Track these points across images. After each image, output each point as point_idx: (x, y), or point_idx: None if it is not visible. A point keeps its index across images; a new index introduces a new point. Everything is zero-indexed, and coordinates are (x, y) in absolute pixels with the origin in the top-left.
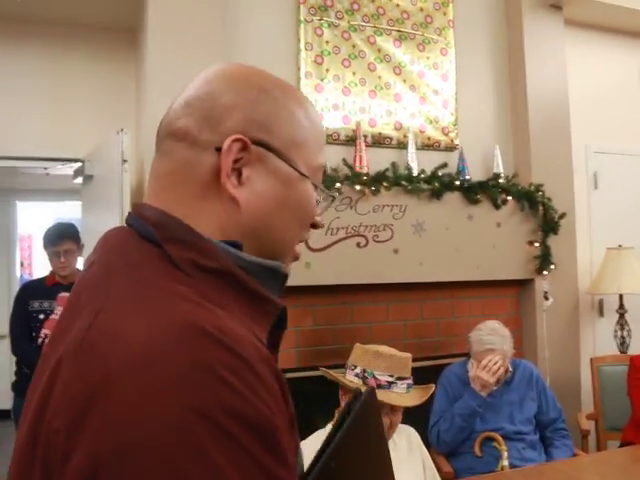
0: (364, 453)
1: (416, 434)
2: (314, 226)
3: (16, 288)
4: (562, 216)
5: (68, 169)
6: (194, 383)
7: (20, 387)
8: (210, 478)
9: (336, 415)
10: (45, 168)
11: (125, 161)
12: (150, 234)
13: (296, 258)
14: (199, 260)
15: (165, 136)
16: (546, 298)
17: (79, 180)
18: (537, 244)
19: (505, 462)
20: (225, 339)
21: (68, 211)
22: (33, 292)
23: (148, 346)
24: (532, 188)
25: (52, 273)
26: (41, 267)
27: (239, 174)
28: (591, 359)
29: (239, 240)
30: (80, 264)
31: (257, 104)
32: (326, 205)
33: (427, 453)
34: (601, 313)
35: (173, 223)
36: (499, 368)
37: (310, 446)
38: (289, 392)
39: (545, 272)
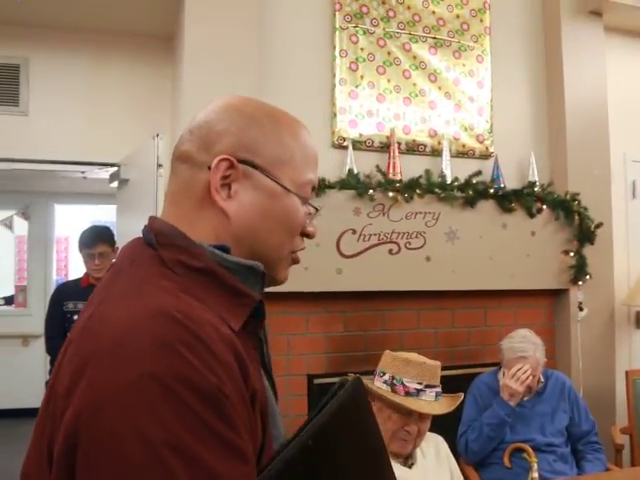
0: (346, 439)
1: (444, 443)
2: (307, 235)
3: (52, 289)
4: (598, 226)
5: (104, 173)
6: (154, 355)
7: None
8: (161, 434)
9: None
10: (82, 172)
11: (160, 166)
12: (151, 240)
13: (295, 262)
14: (186, 261)
15: (175, 159)
16: (581, 309)
17: (115, 184)
18: (572, 254)
19: (535, 474)
20: (187, 322)
21: (104, 214)
22: (68, 293)
23: (126, 327)
24: (568, 197)
25: (87, 275)
26: (77, 269)
27: (229, 189)
28: (626, 372)
29: (231, 246)
30: None
31: (246, 130)
32: (314, 217)
33: (455, 463)
34: (638, 325)
35: (170, 231)
36: (528, 377)
37: None
38: (251, 371)
39: (580, 282)
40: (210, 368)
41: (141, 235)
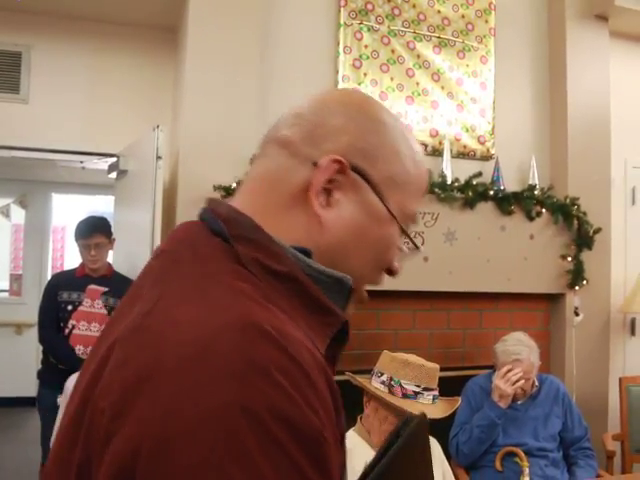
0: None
1: (437, 445)
2: (390, 272)
3: (47, 278)
4: (597, 231)
5: (103, 163)
6: (245, 381)
7: (45, 376)
8: (249, 477)
9: (358, 421)
10: (81, 162)
11: (159, 158)
12: (220, 229)
13: (362, 301)
14: (265, 261)
15: (270, 140)
16: (576, 314)
17: (113, 175)
18: (570, 258)
19: (526, 478)
20: (283, 341)
21: (102, 205)
22: (63, 283)
23: (205, 339)
24: (567, 201)
25: (82, 265)
26: (73, 259)
27: (329, 195)
28: (620, 378)
29: (311, 249)
30: (111, 258)
31: (366, 133)
32: (407, 254)
33: (447, 465)
34: (633, 332)
35: (244, 221)
36: (519, 379)
37: None
38: (342, 406)
39: (577, 287)
40: (311, 405)
41: (197, 219)
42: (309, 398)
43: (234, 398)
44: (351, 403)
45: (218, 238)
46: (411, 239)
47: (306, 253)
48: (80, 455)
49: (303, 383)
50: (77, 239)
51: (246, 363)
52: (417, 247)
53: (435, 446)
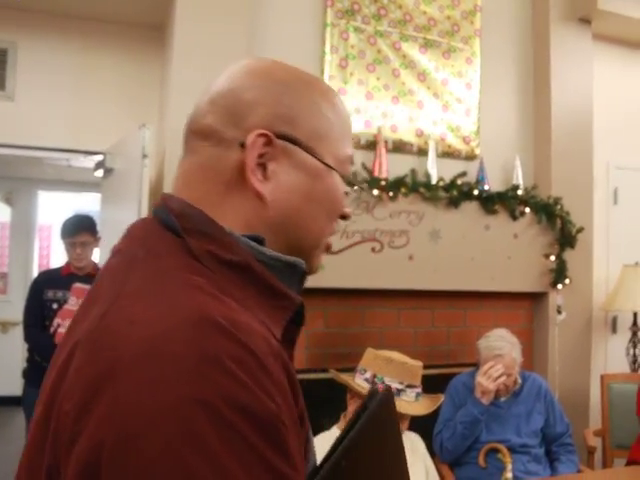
0: (378, 454)
1: (421, 441)
2: (343, 217)
3: (33, 277)
4: (580, 230)
5: (90, 161)
6: (199, 374)
7: (31, 375)
8: (212, 472)
9: (341, 418)
10: (67, 159)
11: (146, 156)
12: (173, 224)
13: (328, 249)
14: (218, 253)
15: (191, 134)
16: (559, 312)
17: (100, 173)
18: (553, 257)
19: (509, 474)
20: (235, 332)
21: (87, 203)
22: (48, 281)
23: (159, 335)
24: (551, 201)
25: (68, 263)
26: (58, 257)
27: (264, 169)
28: (601, 376)
29: (265, 235)
30: (97, 256)
31: (280, 98)
32: (355, 196)
33: (431, 461)
34: (614, 330)
35: (196, 215)
36: (501, 376)
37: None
38: (299, 387)
39: (560, 286)
40: (267, 391)
41: (150, 216)
42: (264, 384)
43: (189, 391)
44: (335, 401)
45: (170, 233)
46: (352, 182)
47: (258, 240)
48: (48, 459)
49: (257, 371)
50: (63, 237)
51: (199, 356)
52: (361, 187)
53: (419, 443)
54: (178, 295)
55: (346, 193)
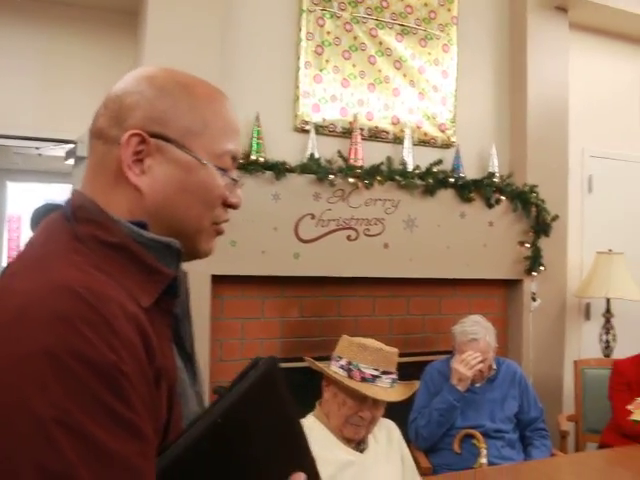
0: (258, 418)
1: (396, 428)
2: (231, 206)
3: (2, 267)
4: (554, 218)
5: (60, 150)
6: (49, 330)
7: None
8: (48, 406)
9: (317, 406)
10: (37, 148)
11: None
12: (68, 215)
13: (219, 233)
14: (101, 236)
15: (91, 134)
16: (534, 299)
17: (71, 161)
18: (528, 245)
19: (483, 460)
20: (90, 298)
21: (58, 193)
22: None
23: (27, 300)
24: (526, 189)
25: None
26: None
27: (142, 164)
28: (575, 362)
29: (147, 221)
30: None
31: (155, 102)
32: (234, 187)
33: (407, 448)
34: (587, 316)
35: (89, 205)
36: (478, 363)
37: None
38: (160, 349)
39: (534, 273)
40: (109, 345)
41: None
42: (109, 340)
43: (40, 346)
44: (311, 388)
45: (68, 222)
46: (227, 175)
47: (142, 225)
48: None
49: (103, 330)
50: (32, 227)
51: (52, 316)
52: (234, 180)
53: (394, 430)
54: (54, 271)
55: (235, 181)
